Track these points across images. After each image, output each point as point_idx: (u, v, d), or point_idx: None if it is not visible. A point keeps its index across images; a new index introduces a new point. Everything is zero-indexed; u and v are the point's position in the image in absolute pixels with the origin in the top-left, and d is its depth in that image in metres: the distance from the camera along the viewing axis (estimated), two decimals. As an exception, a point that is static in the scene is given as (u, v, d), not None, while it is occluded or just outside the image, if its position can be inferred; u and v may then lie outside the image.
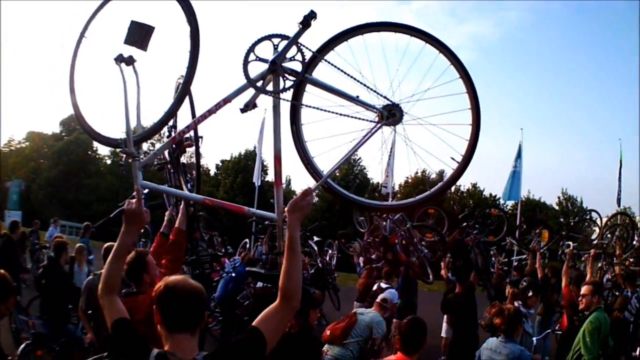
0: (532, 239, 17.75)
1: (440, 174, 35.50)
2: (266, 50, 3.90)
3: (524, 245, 17.67)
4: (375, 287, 11.53)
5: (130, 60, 3.92)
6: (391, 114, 4.10)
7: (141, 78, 3.96)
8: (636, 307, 11.58)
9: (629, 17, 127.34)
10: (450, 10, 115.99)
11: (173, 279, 3.10)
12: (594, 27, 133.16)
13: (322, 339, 7.84)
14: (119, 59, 3.91)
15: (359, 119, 4.09)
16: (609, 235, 16.91)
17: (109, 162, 65.00)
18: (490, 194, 64.44)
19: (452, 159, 4.22)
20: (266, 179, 39.02)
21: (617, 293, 10.97)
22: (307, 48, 3.91)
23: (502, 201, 49.50)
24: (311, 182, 4.17)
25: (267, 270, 12.24)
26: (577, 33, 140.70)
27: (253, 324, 3.15)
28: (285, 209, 3.42)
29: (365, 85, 4.03)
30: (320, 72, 4.16)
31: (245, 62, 3.84)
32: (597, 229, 18.62)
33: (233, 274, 12.50)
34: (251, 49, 3.85)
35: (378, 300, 8.84)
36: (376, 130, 4.10)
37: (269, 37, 3.89)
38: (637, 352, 10.99)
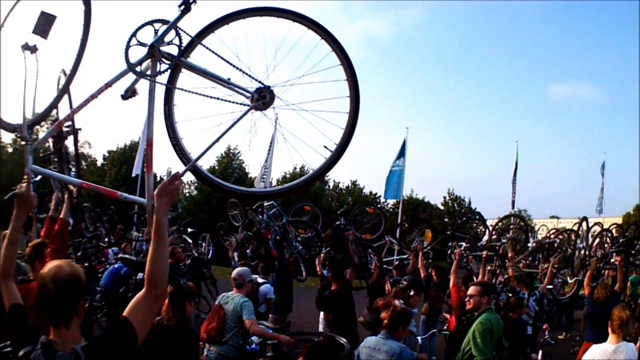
0: (414, 239, 18.28)
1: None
2: (149, 35, 4.15)
3: (405, 245, 18.36)
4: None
5: (33, 49, 4.17)
6: (262, 97, 4.30)
7: (43, 66, 4.20)
8: (534, 309, 12.26)
9: (527, 18, 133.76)
10: (345, 7, 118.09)
11: (47, 269, 3.24)
12: (494, 27, 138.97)
13: (202, 339, 8.08)
14: (25, 47, 4.16)
15: (229, 101, 4.31)
16: (500, 236, 17.78)
17: (10, 150, 64.14)
18: (371, 192, 67.05)
19: (325, 147, 4.41)
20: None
21: (510, 295, 11.45)
22: (185, 32, 4.17)
23: (382, 199, 50.86)
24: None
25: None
26: (475, 33, 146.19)
27: (123, 313, 3.31)
28: (154, 193, 3.55)
29: (239, 68, 4.28)
30: (201, 56, 4.40)
31: (127, 47, 4.07)
32: (487, 230, 19.54)
33: (116, 265, 12.72)
34: (134, 34, 4.09)
35: (231, 278, 9.13)
36: (245, 113, 4.30)
37: (151, 22, 4.13)
38: (539, 356, 11.67)
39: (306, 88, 4.41)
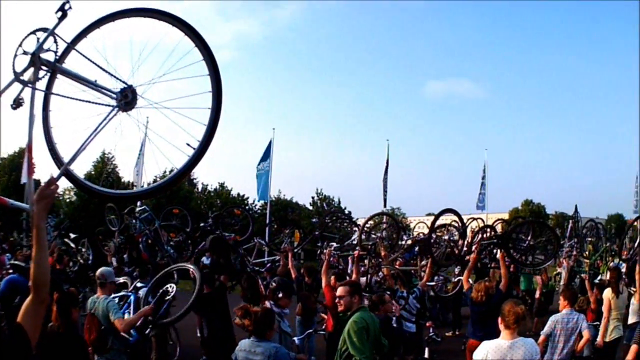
0: (283, 240, 18.75)
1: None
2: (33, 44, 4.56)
3: (274, 246, 19.05)
4: (131, 287, 12.13)
5: None
6: (124, 97, 4.61)
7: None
8: (416, 307, 12.73)
9: (402, 16, 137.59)
10: (219, 7, 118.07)
11: None
12: (367, 27, 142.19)
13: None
14: None
15: (96, 103, 4.63)
16: (373, 236, 18.25)
17: None
18: (238, 194, 69.68)
19: (188, 144, 4.60)
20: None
21: (388, 293, 11.76)
22: (61, 39, 4.59)
23: (250, 201, 51.43)
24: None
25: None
26: (347, 33, 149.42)
27: (17, 319, 3.62)
28: (33, 198, 3.76)
29: (106, 71, 4.67)
30: (77, 61, 4.78)
31: (14, 57, 4.46)
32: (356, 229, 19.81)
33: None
34: (20, 44, 4.49)
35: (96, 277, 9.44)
36: (111, 115, 4.59)
37: (34, 32, 4.54)
38: (426, 354, 12.26)
39: (173, 86, 4.78)
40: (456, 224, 17.10)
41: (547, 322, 10.36)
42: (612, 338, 11.78)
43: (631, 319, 12.31)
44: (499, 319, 6.94)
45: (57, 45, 4.53)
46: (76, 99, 4.55)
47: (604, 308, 11.95)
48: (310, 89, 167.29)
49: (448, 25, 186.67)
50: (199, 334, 12.63)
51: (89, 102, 4.56)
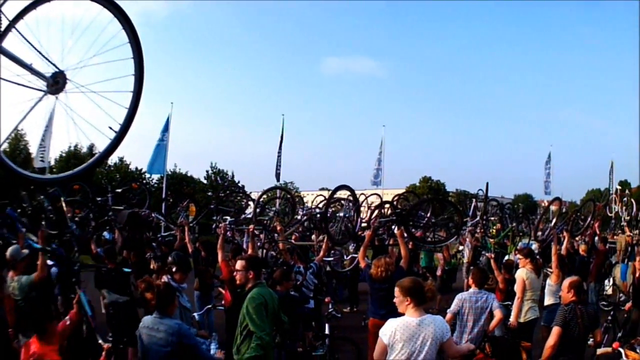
0: (179, 214, 18.70)
1: (91, 147, 35.88)
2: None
3: (171, 220, 19.10)
4: None
5: None
6: (55, 82, 4.60)
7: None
8: (314, 282, 12.84)
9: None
10: None
11: None
12: (264, 4, 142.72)
13: None
14: None
15: (27, 87, 4.58)
16: (268, 210, 18.56)
17: None
18: (137, 168, 69.61)
19: (110, 128, 4.74)
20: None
21: (285, 268, 11.75)
22: (5, 16, 4.44)
23: (148, 175, 51.03)
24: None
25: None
26: (245, 10, 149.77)
27: None
28: None
29: (42, 54, 4.61)
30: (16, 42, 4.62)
31: None
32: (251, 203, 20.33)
33: None
34: None
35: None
36: (40, 99, 4.60)
37: None
38: (327, 330, 12.26)
39: (101, 69, 4.61)
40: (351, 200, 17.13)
41: (450, 299, 10.48)
42: (527, 319, 11.85)
43: (548, 300, 12.68)
44: (404, 294, 6.72)
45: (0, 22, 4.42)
46: (9, 81, 4.44)
47: (518, 288, 11.95)
48: (207, 65, 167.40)
49: (350, 2, 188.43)
50: (103, 311, 12.48)
51: (22, 85, 4.50)
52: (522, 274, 12.02)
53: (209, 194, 44.31)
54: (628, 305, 14.30)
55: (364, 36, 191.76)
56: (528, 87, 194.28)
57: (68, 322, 7.81)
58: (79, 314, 8.03)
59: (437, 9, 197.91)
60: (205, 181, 76.30)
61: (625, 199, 34.25)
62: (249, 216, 17.83)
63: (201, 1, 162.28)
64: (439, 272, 20.88)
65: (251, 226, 12.74)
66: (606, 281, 21.72)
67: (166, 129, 33.66)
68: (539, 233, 21.42)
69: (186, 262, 10.61)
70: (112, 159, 69.37)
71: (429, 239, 17.23)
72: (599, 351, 9.28)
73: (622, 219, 31.28)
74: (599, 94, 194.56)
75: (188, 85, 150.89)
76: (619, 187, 43.37)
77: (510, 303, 12.32)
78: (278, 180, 37.94)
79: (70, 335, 7.78)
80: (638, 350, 9.07)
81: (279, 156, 38.23)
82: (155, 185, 52.37)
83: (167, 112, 33.53)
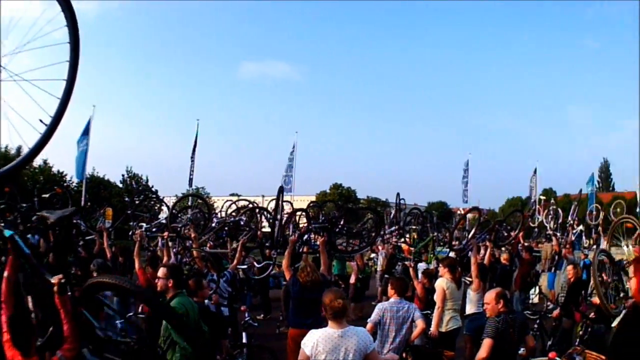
0: (98, 218, 18.60)
1: (19, 149, 35.99)
2: None
3: (90, 225, 18.58)
4: None
5: None
6: None
7: None
8: (227, 290, 12.69)
9: None
10: None
11: None
12: (186, 8, 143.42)
13: None
14: None
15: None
16: (178, 216, 18.69)
17: None
18: (59, 171, 69.29)
19: (40, 121, 4.51)
20: None
21: (196, 277, 11.66)
22: None
23: (69, 178, 50.78)
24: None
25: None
26: (168, 13, 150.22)
27: None
28: None
29: None
30: None
31: None
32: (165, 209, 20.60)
33: None
34: None
35: None
36: None
37: None
38: (244, 339, 12.16)
39: (37, 57, 4.47)
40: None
41: (364, 307, 10.44)
42: (449, 328, 11.75)
43: (469, 310, 12.63)
44: (323, 309, 6.75)
45: None
46: None
47: (438, 298, 11.85)
48: (129, 68, 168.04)
49: (267, 7, 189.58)
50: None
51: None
52: (442, 283, 11.96)
53: (126, 198, 44.18)
54: (556, 312, 14.40)
55: (279, 40, 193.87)
56: (446, 94, 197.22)
57: None
58: None
59: (351, 13, 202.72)
60: (121, 185, 76.11)
61: (551, 208, 34.92)
62: (163, 221, 17.93)
63: (129, 1, 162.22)
64: (352, 280, 20.50)
65: (165, 233, 12.97)
66: (532, 290, 22.01)
67: (86, 132, 32.85)
68: (455, 242, 21.62)
69: (107, 270, 10.53)
70: (37, 161, 68.97)
71: (342, 247, 17.40)
72: None
73: (548, 227, 31.81)
74: (521, 99, 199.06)
75: (110, 88, 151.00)
76: (542, 197, 44.33)
77: (430, 312, 12.33)
78: (190, 185, 37.82)
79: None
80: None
81: (192, 161, 37.43)
82: (75, 189, 51.94)
83: (89, 114, 33.27)
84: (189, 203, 19.93)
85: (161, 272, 8.48)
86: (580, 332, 12.63)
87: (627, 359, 6.52)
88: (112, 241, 17.11)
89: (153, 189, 69.99)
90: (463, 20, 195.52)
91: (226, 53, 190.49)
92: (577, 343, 11.85)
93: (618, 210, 35.90)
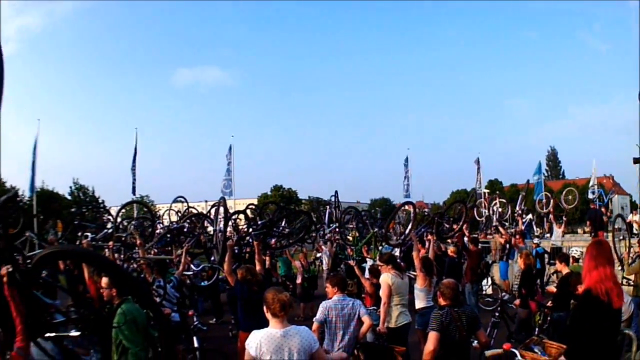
0: (49, 230, 18.65)
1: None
2: None
3: (42, 238, 18.61)
4: None
5: None
6: None
7: None
8: (175, 296, 12.81)
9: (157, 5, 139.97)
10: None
11: None
12: (129, 17, 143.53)
13: None
14: None
15: None
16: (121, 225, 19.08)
17: None
18: (12, 185, 67.37)
19: None
20: None
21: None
22: None
23: (20, 192, 50.58)
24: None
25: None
26: (114, 25, 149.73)
27: None
28: None
29: None
30: None
31: None
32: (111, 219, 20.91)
33: None
34: None
35: None
36: None
37: None
38: (195, 343, 12.24)
39: None
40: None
41: (313, 307, 10.43)
42: (399, 324, 11.59)
43: (418, 304, 12.64)
44: (264, 308, 6.63)
45: None
46: None
47: (383, 293, 11.69)
48: (73, 79, 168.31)
49: (197, 14, 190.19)
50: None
51: None
52: (387, 278, 11.79)
53: (73, 209, 44.08)
54: (517, 302, 14.38)
55: (212, 46, 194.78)
56: (384, 94, 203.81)
57: None
58: None
59: (282, 18, 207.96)
60: (69, 197, 76.16)
61: (496, 201, 35.73)
62: (110, 231, 18.03)
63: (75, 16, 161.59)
64: (298, 280, 21.10)
65: (110, 243, 13.16)
66: (484, 281, 22.39)
67: (36, 146, 32.66)
68: (394, 237, 21.78)
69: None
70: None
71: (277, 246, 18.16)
72: (488, 353, 9.23)
73: (494, 219, 32.45)
74: (459, 98, 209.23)
75: (54, 101, 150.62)
76: (486, 191, 44.77)
77: (376, 308, 12.45)
78: (134, 193, 37.69)
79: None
80: (536, 350, 9.23)
81: (134, 170, 37.34)
82: (28, 203, 51.82)
83: (36, 129, 33.29)
84: (135, 213, 19.99)
85: (104, 281, 8.53)
86: (540, 322, 12.95)
87: (582, 347, 6.59)
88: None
89: (99, 200, 71.81)
90: (393, 21, 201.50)
91: (160, 61, 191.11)
92: (536, 332, 12.26)
93: (570, 197, 37.04)
